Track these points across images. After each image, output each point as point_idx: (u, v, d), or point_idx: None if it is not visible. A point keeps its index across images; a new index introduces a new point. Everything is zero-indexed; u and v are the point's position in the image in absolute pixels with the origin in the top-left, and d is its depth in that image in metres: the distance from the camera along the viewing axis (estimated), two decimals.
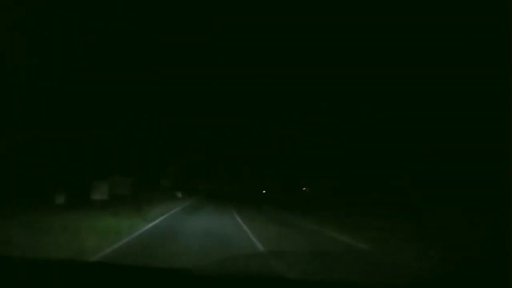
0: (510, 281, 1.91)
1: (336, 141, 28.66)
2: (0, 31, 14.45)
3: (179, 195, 31.61)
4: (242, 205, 26.38)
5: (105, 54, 21.20)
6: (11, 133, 16.38)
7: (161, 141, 32.32)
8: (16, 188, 15.13)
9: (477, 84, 15.40)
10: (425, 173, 18.78)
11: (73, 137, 20.17)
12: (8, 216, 9.44)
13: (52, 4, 16.67)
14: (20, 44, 15.91)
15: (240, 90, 39.71)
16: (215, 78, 34.32)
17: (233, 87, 39.03)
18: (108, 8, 19.79)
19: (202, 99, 38.22)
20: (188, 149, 45.31)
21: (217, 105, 42.11)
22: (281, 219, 15.49)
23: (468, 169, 15.25)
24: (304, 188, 44.91)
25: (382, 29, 20.52)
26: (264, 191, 55.35)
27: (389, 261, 6.75)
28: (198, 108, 38.90)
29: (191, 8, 26.37)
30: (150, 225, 11.34)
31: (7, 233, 6.77)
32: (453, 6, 16.28)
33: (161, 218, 13.77)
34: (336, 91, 27.47)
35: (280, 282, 2.08)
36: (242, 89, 39.34)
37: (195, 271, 2.14)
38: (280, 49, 34.68)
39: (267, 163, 53.11)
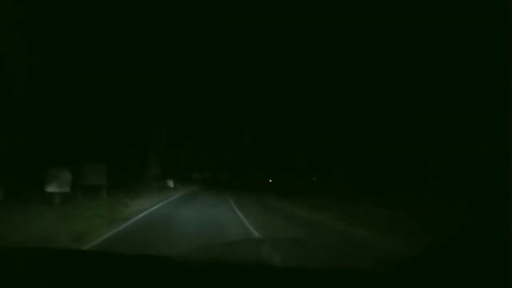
0: (510, 282, 1.91)
1: (336, 141, 28.67)
2: (0, 31, 14.45)
3: (171, 184, 28.44)
4: (245, 195, 25.10)
5: (105, 54, 21.21)
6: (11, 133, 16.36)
7: (160, 139, 32.14)
8: None
9: (477, 84, 15.40)
10: (425, 173, 18.78)
11: (72, 137, 20.16)
12: None
13: (52, 4, 16.67)
14: (20, 44, 15.91)
15: (240, 90, 39.69)
16: (215, 78, 34.29)
17: (234, 87, 38.99)
18: (108, 8, 19.80)
19: (202, 99, 38.14)
20: (188, 148, 45.27)
21: (217, 105, 42.07)
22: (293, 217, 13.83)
23: (468, 169, 15.25)
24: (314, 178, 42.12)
25: (382, 29, 20.52)
26: (270, 180, 52.30)
27: (376, 248, 6.80)
28: (198, 108, 38.85)
29: (191, 8, 26.38)
30: (116, 230, 8.26)
31: None
32: (453, 6, 16.28)
33: (140, 216, 11.01)
34: (336, 91, 27.47)
35: (262, 269, 2.07)
36: (243, 89, 39.29)
37: (176, 259, 2.12)
38: (280, 49, 34.68)
39: (268, 163, 52.70)
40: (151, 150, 29.49)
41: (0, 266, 1.97)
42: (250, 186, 41.36)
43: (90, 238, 7.16)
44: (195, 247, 2.95)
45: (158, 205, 15.23)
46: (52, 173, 12.77)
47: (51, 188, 12.57)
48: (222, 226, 9.69)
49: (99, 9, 19.35)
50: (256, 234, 8.70)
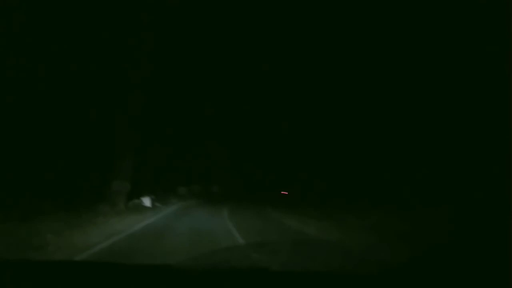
0: (510, 282, 1.91)
1: (337, 141, 28.67)
2: (0, 31, 14.47)
3: (147, 203, 21.65)
4: (251, 216, 19.98)
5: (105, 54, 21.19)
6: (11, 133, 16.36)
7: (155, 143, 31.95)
8: None
9: (477, 84, 15.40)
10: (425, 173, 18.77)
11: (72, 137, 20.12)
12: None
13: (52, 4, 16.69)
14: (20, 44, 15.93)
15: (240, 90, 39.63)
16: (215, 78, 34.29)
17: (233, 87, 38.96)
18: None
19: (201, 99, 37.96)
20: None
21: (217, 105, 41.93)
22: None
23: (467, 169, 15.26)
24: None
25: (382, 29, 20.52)
26: (284, 192, 41.11)
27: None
28: (198, 108, 38.71)
29: (191, 8, 26.32)
30: None
31: None
32: (453, 6, 16.28)
33: None
34: (336, 91, 27.47)
35: (261, 274, 2.07)
36: (243, 88, 39.23)
37: (176, 267, 2.12)
38: (280, 49, 34.66)
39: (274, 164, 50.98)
40: (119, 158, 21.06)
41: None
42: (254, 201, 33.19)
43: None
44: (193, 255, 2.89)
45: (103, 245, 8.33)
46: None
47: None
48: None
49: (99, 9, 19.34)
50: None
